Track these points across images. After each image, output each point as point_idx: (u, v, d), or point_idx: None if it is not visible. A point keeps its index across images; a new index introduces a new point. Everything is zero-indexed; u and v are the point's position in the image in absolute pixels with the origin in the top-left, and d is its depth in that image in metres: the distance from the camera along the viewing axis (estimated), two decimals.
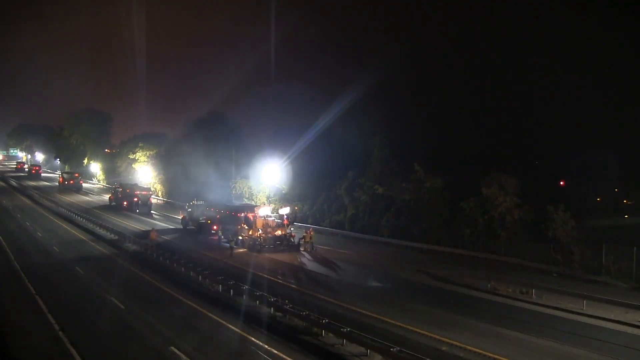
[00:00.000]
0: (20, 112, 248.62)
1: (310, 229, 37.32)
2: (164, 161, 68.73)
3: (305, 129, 50.90)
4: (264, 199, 50.79)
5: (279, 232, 34.16)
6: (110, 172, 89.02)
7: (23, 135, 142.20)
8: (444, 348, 15.79)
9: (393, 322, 18.20)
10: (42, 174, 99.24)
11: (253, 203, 48.69)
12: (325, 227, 43.05)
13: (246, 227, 34.56)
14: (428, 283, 25.42)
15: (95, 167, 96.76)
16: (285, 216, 35.36)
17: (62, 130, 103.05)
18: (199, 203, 42.77)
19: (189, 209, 42.80)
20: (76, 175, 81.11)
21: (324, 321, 16.68)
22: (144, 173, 73.33)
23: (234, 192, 53.32)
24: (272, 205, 42.59)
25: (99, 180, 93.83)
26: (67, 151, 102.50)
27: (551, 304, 21.02)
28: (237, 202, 50.62)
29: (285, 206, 39.12)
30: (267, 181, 50.68)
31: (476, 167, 35.02)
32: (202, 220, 40.43)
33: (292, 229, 35.67)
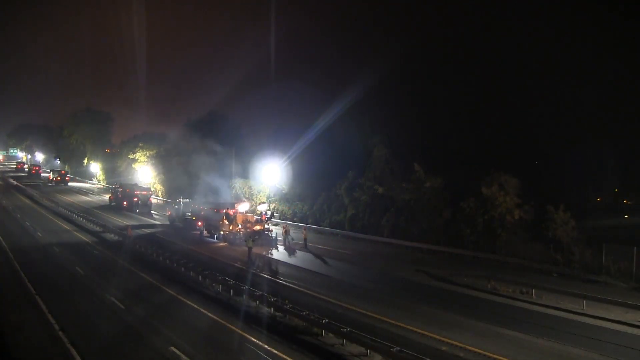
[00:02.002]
0: (20, 112, 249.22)
1: (306, 227, 39.66)
2: (164, 161, 68.71)
3: (305, 129, 50.96)
4: (264, 199, 50.80)
5: (257, 228, 35.55)
6: (110, 172, 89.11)
7: (23, 135, 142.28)
8: (444, 348, 15.79)
9: (393, 322, 18.20)
10: (42, 174, 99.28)
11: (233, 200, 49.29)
12: (325, 227, 43.07)
13: (227, 223, 36.17)
14: (428, 283, 25.40)
15: (95, 167, 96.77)
16: (263, 212, 37.24)
17: (62, 130, 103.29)
18: (185, 200, 44.13)
19: (176, 206, 44.44)
20: (62, 172, 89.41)
21: (323, 321, 16.66)
22: (144, 173, 73.35)
23: (233, 192, 53.33)
24: (251, 202, 43.96)
25: (99, 180, 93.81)
26: (67, 151, 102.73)
27: (551, 304, 21.03)
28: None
29: (262, 203, 40.82)
30: (267, 181, 50.78)
31: (476, 167, 34.95)
32: (187, 216, 41.89)
33: (269, 224, 37.33)
